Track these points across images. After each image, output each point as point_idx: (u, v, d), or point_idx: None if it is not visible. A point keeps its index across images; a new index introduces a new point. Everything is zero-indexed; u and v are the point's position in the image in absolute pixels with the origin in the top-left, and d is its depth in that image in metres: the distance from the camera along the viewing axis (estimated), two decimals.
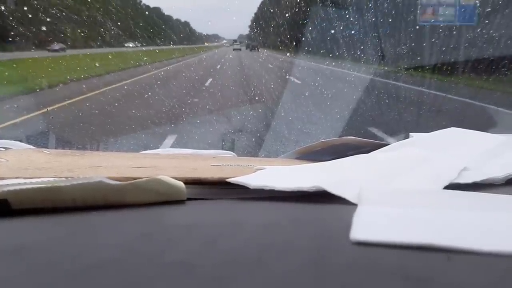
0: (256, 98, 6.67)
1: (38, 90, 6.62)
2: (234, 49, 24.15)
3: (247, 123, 4.80)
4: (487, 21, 6.79)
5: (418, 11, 8.46)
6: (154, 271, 0.25)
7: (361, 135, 0.69)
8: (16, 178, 0.45)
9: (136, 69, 10.79)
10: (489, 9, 6.93)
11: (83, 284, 0.24)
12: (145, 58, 12.32)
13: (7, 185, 0.38)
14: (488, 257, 0.27)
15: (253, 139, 4.06)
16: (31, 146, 0.71)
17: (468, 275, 0.25)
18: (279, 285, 0.24)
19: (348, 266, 0.26)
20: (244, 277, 0.25)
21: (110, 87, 7.86)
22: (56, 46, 11.86)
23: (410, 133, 0.66)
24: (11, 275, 0.26)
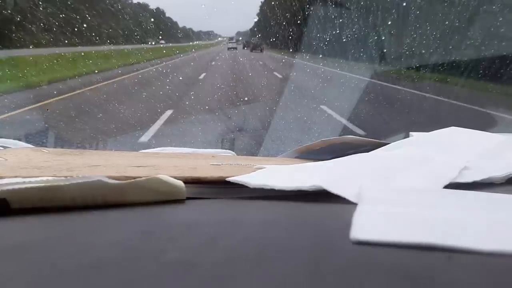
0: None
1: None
2: (228, 48, 20.35)
3: None
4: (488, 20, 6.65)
5: None
6: (154, 270, 0.25)
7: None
8: (15, 177, 0.44)
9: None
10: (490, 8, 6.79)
11: (83, 283, 0.24)
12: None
13: (6, 184, 0.38)
14: (488, 257, 0.27)
15: None
16: (30, 145, 0.71)
17: (468, 274, 0.25)
18: (279, 284, 0.24)
19: (348, 265, 0.26)
20: (244, 276, 0.25)
21: None
22: None
23: (410, 132, 0.66)
24: (11, 274, 0.26)
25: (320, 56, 10.30)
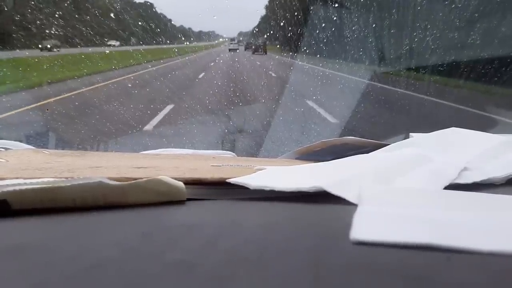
0: None
1: None
2: (230, 50, 19.37)
3: None
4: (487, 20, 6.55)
5: None
6: (154, 271, 0.25)
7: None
8: (16, 178, 0.45)
9: None
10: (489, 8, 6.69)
11: (83, 284, 0.24)
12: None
13: (7, 185, 0.38)
14: (488, 257, 0.27)
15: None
16: (31, 147, 0.71)
17: (468, 274, 0.25)
18: (279, 285, 0.24)
19: (348, 266, 0.26)
20: (244, 277, 0.25)
21: None
22: None
23: (410, 133, 0.66)
24: (11, 275, 0.26)
25: (331, 58, 9.31)
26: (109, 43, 13.50)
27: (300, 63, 9.95)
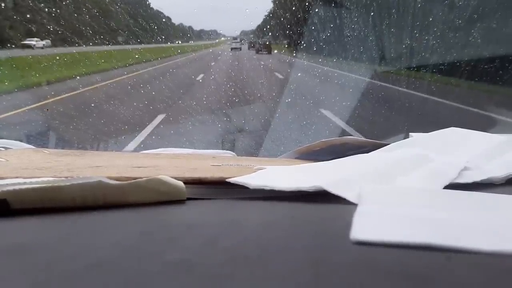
0: None
1: None
2: (232, 48, 19.06)
3: None
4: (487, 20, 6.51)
5: None
6: (154, 270, 0.25)
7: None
8: (16, 177, 0.45)
9: None
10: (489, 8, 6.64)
11: (83, 284, 0.24)
12: None
13: (7, 184, 0.38)
14: (488, 257, 0.27)
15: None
16: (31, 146, 0.71)
17: (468, 274, 0.25)
18: (279, 284, 0.24)
19: (348, 265, 0.26)
20: (244, 276, 0.25)
21: None
22: None
23: (410, 133, 0.66)
24: (11, 275, 0.26)
25: (340, 58, 8.84)
26: (24, 42, 9.63)
27: (313, 64, 9.51)
